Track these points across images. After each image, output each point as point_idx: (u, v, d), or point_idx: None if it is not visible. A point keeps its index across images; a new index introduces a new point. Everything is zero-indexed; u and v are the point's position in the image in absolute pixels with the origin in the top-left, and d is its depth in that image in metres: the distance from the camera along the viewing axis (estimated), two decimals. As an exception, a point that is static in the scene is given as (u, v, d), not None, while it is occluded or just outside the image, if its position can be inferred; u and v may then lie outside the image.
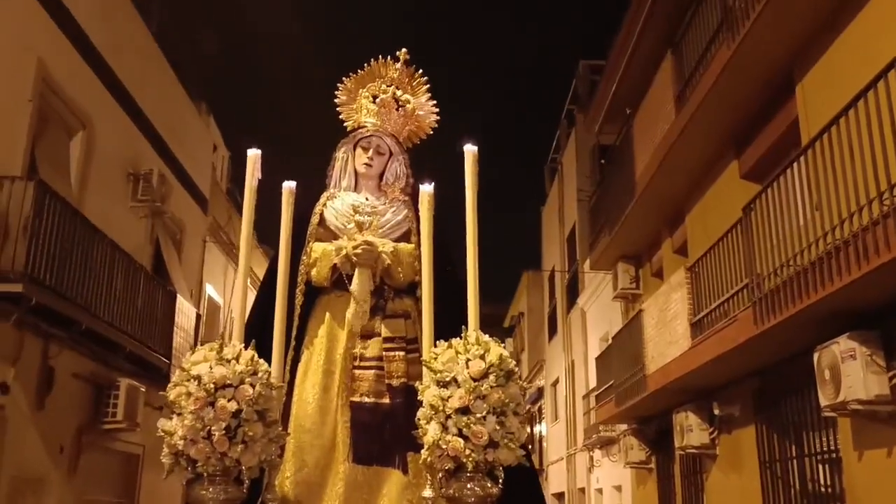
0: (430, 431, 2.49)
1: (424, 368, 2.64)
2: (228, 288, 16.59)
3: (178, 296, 12.15)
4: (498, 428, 2.45)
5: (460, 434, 2.45)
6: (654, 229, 12.72)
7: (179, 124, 13.58)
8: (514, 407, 2.51)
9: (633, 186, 11.89)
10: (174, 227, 13.28)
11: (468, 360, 2.54)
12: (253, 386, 2.56)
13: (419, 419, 2.57)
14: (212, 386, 2.51)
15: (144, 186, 11.43)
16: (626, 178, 12.35)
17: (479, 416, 2.45)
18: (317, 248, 3.35)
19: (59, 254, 8.42)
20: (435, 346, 2.72)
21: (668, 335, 9.93)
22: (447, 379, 2.52)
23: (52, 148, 9.71)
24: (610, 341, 13.96)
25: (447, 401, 2.48)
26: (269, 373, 2.68)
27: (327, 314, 3.31)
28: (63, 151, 10.01)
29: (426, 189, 3.06)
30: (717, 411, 9.75)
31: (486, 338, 2.62)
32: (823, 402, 6.52)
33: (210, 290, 15.65)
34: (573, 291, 19.70)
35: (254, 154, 2.97)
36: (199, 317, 13.39)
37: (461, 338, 2.63)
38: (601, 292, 16.51)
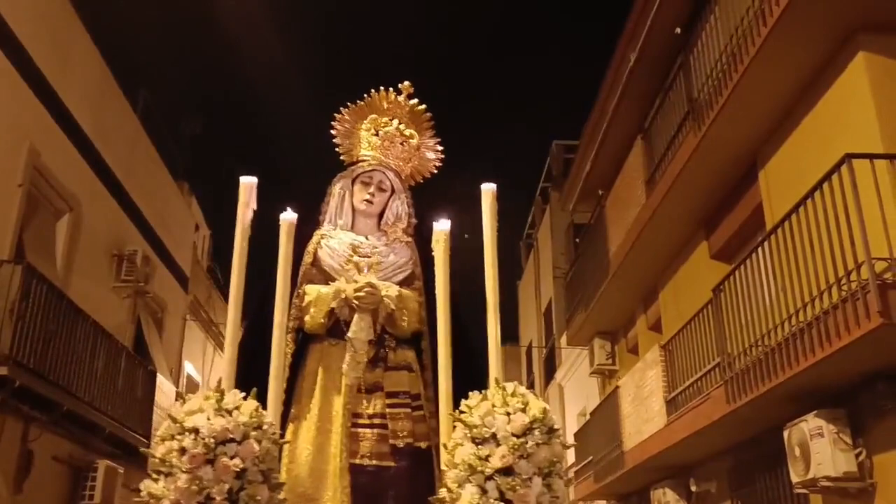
0: (467, 496, 2.17)
1: (456, 424, 2.31)
2: (207, 365, 16.59)
3: (159, 374, 12.18)
4: (545, 491, 2.20)
5: (502, 498, 2.15)
6: (628, 306, 12.99)
7: (163, 205, 13.83)
8: (558, 468, 2.27)
9: (607, 265, 12.21)
10: (156, 306, 13.38)
11: (508, 413, 2.25)
12: (259, 441, 2.24)
13: (448, 481, 2.25)
14: (212, 440, 2.17)
15: (128, 267, 11.59)
16: (600, 256, 12.68)
17: (524, 477, 2.17)
18: (310, 291, 3.04)
19: (44, 336, 8.50)
20: (456, 401, 2.40)
21: (645, 412, 10.10)
22: (486, 435, 2.22)
23: (39, 230, 9.88)
24: (588, 417, 14.07)
25: (486, 460, 2.19)
26: (274, 426, 2.38)
27: (321, 365, 2.99)
28: (49, 233, 10.17)
29: (441, 227, 2.77)
30: (693, 488, 9.87)
31: (524, 389, 2.35)
32: (795, 478, 6.70)
33: (189, 367, 15.65)
34: (550, 366, 19.84)
35: (248, 182, 2.70)
36: (178, 395, 13.33)
37: (482, 390, 2.35)
38: (578, 367, 16.67)
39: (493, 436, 2.22)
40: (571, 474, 15.77)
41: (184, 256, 14.92)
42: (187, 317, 15.21)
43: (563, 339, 17.12)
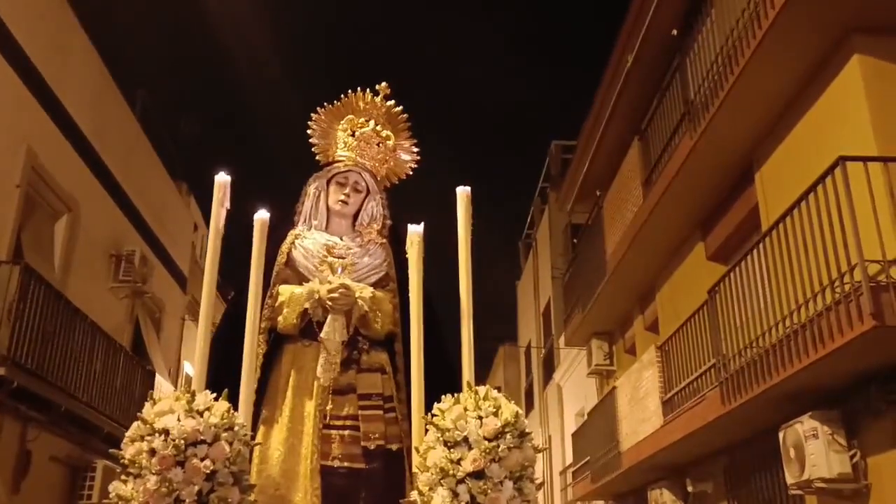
0: (438, 499, 2.18)
1: (428, 427, 2.32)
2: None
3: (157, 374, 12.21)
4: (516, 495, 2.21)
5: (473, 502, 2.17)
6: (625, 307, 13.02)
7: (162, 205, 13.86)
8: (530, 472, 2.29)
9: (604, 265, 12.24)
10: (154, 306, 13.41)
11: (480, 417, 2.25)
12: (230, 443, 2.21)
13: (419, 485, 2.26)
14: (182, 442, 2.14)
15: (126, 267, 11.62)
16: (597, 256, 12.70)
17: (496, 481, 2.19)
18: (284, 291, 3.01)
19: (41, 336, 8.53)
20: (429, 404, 2.41)
21: (641, 412, 10.12)
22: (458, 439, 2.23)
23: (37, 231, 9.91)
24: (586, 417, 14.10)
25: (457, 463, 2.19)
26: (245, 427, 2.35)
27: (293, 366, 2.96)
28: (48, 234, 10.21)
29: (415, 229, 2.76)
30: (690, 488, 9.89)
31: (496, 393, 2.35)
32: (790, 479, 6.72)
33: (188, 367, 15.67)
34: (549, 366, 19.86)
35: (222, 180, 2.63)
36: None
37: (454, 394, 2.36)
38: (576, 368, 16.70)
39: (465, 439, 2.22)
40: (569, 475, 15.84)
41: (182, 256, 14.96)
42: (186, 317, 15.23)
43: (562, 340, 17.15)
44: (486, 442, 2.21)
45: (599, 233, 12.70)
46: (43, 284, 8.67)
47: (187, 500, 2.09)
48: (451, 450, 2.21)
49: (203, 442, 2.15)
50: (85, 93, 10.71)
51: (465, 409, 2.27)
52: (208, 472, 2.13)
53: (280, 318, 2.97)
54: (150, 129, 13.57)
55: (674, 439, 8.90)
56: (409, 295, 2.71)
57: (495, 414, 2.26)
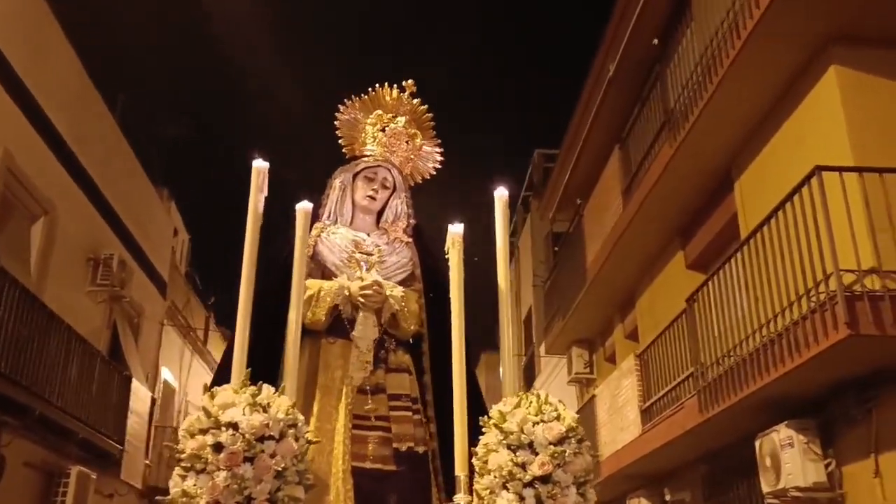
0: (503, 502, 2.14)
1: (485, 429, 2.27)
2: (185, 371, 16.49)
3: (134, 380, 12.10)
4: (581, 500, 2.19)
5: None
6: (605, 315, 13.04)
7: (141, 210, 13.75)
8: (591, 478, 2.26)
9: (584, 273, 12.26)
10: (132, 311, 13.29)
11: (543, 422, 2.23)
12: (297, 440, 2.11)
13: (477, 487, 2.20)
14: (252, 437, 2.03)
15: (104, 271, 11.51)
16: (577, 265, 12.73)
17: (563, 486, 2.16)
18: (311, 285, 2.90)
19: (17, 340, 8.43)
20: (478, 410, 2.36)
21: (620, 421, 10.14)
22: (525, 442, 2.19)
23: (13, 234, 9.80)
24: (565, 425, 14.07)
25: (522, 467, 2.16)
26: (306, 425, 2.25)
27: (319, 363, 2.88)
28: (24, 237, 10.09)
29: (456, 230, 2.68)
30: (668, 497, 9.91)
31: (554, 399, 2.34)
32: (765, 488, 6.74)
33: (166, 373, 15.54)
34: (530, 374, 19.86)
35: (260, 167, 2.54)
36: (153, 401, 13.30)
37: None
38: (557, 376, 16.70)
39: (530, 444, 2.19)
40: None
41: (162, 261, 14.84)
42: (165, 322, 15.11)
43: (542, 348, 17.15)
44: (553, 447, 2.18)
45: (580, 241, 12.73)
46: (18, 288, 8.57)
47: (258, 499, 1.98)
48: (516, 453, 2.17)
49: (271, 438, 2.05)
50: (63, 95, 10.62)
51: (528, 413, 2.24)
52: (279, 469, 2.03)
53: (308, 313, 2.84)
54: (131, 133, 13.49)
55: (652, 448, 8.92)
56: (451, 297, 2.62)
57: (557, 419, 2.24)
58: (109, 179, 12.07)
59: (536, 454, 2.16)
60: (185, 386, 16.40)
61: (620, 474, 10.25)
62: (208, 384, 2.20)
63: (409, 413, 2.85)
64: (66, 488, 9.92)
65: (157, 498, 2.07)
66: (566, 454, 2.17)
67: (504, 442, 2.19)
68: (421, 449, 2.75)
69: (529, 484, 2.13)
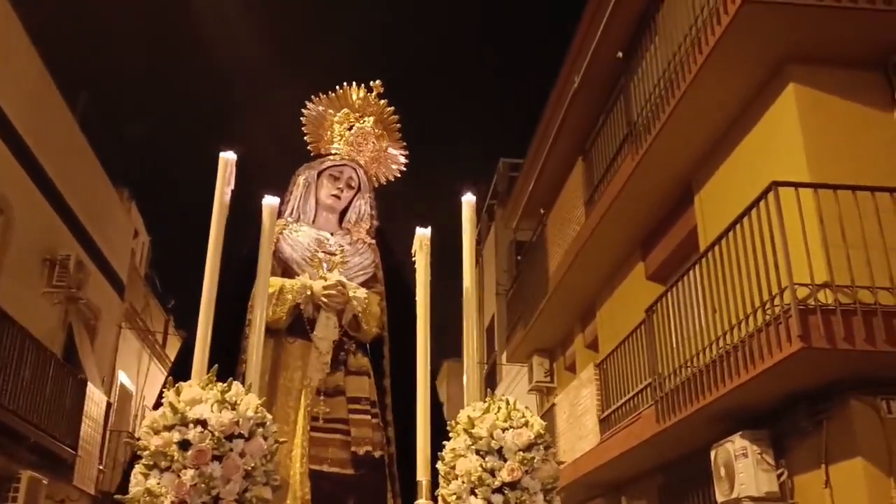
0: None
1: (453, 434, 2.24)
2: (142, 375, 16.24)
3: (89, 384, 11.89)
4: None
5: None
6: (566, 324, 13.12)
7: (100, 210, 13.54)
8: (557, 485, 2.26)
9: (546, 282, 12.33)
10: (89, 312, 13.06)
11: (512, 427, 2.22)
12: (265, 438, 2.05)
13: (443, 493, 2.19)
14: (221, 434, 1.96)
15: (60, 272, 11.30)
16: (540, 274, 12.80)
17: (532, 492, 2.15)
18: (273, 282, 2.80)
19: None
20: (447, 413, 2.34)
21: (579, 429, 10.20)
22: (494, 448, 2.18)
23: (-34, 233, 9.59)
24: (525, 434, 14.12)
25: (492, 473, 2.15)
26: (274, 424, 2.18)
27: (277, 363, 2.82)
28: (-23, 236, 9.88)
29: (423, 232, 2.64)
30: (625, 505, 9.99)
31: (521, 406, 2.33)
32: (720, 497, 6.83)
33: (123, 377, 15.30)
34: (492, 382, 19.89)
35: (227, 158, 2.42)
36: (109, 405, 13.08)
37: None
38: (518, 384, 16.75)
39: (499, 449, 2.18)
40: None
41: (121, 263, 14.61)
42: (123, 325, 14.88)
43: (504, 356, 17.19)
44: (522, 453, 2.18)
45: (543, 250, 12.80)
46: (-30, 288, 8.40)
47: (226, 499, 1.91)
48: (485, 458, 2.17)
49: (241, 436, 1.98)
50: (22, 91, 10.43)
51: (497, 419, 2.23)
52: (248, 468, 1.96)
53: (269, 311, 2.76)
54: (92, 133, 13.28)
55: (611, 456, 8.98)
56: (417, 299, 2.58)
57: (525, 425, 2.24)
58: (68, 178, 11.87)
59: (505, 460, 2.17)
60: (143, 390, 16.15)
61: (579, 483, 10.31)
62: (171, 379, 2.11)
63: (368, 416, 2.82)
64: (16, 493, 9.72)
65: (116, 496, 2.01)
66: (535, 460, 2.18)
67: (473, 447, 2.19)
68: (378, 453, 2.73)
69: (498, 490, 2.13)
